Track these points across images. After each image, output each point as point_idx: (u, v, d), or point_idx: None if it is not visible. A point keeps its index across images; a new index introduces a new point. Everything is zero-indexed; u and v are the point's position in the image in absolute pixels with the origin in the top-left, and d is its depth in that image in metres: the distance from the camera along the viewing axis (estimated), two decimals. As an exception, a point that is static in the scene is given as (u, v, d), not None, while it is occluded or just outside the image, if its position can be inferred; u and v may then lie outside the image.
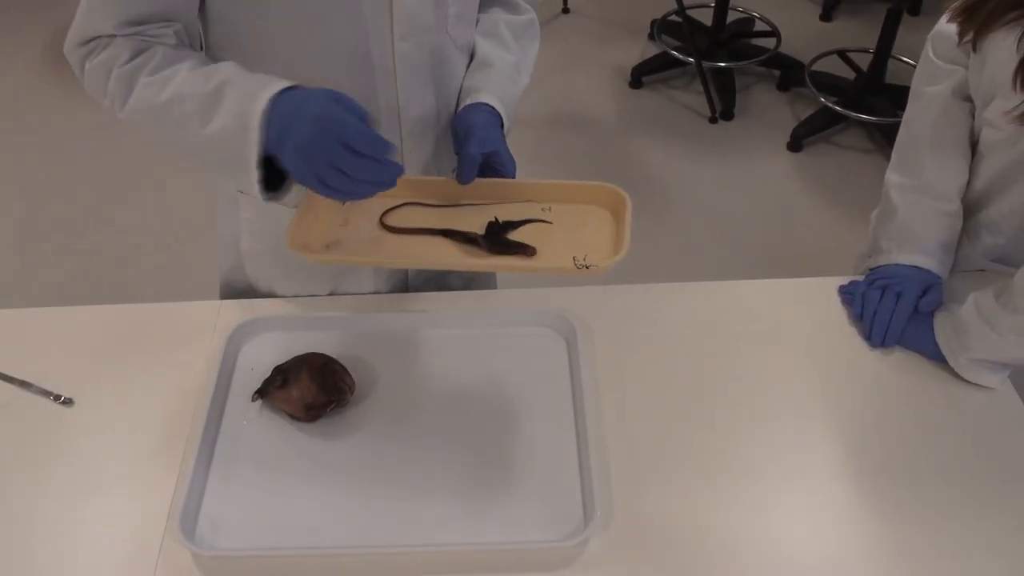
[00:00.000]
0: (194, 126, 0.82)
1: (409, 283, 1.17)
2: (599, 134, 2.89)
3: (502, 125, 0.98)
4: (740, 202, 2.63)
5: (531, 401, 0.99)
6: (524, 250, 0.87)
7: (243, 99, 0.80)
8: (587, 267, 0.80)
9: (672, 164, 2.77)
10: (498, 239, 0.88)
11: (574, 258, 0.82)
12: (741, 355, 1.05)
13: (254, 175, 0.81)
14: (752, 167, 2.76)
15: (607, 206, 0.91)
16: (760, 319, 1.10)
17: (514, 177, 0.94)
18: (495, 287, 1.25)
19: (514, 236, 0.89)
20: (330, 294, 1.14)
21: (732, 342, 1.06)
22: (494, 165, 0.93)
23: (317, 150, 0.74)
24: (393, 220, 0.95)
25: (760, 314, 1.10)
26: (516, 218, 0.91)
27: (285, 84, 0.80)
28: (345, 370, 0.98)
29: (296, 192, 0.87)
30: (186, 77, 0.82)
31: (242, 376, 1.02)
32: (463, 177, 0.91)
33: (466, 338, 1.06)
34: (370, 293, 1.14)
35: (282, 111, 0.78)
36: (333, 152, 0.74)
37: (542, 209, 0.92)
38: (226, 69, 0.83)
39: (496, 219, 0.90)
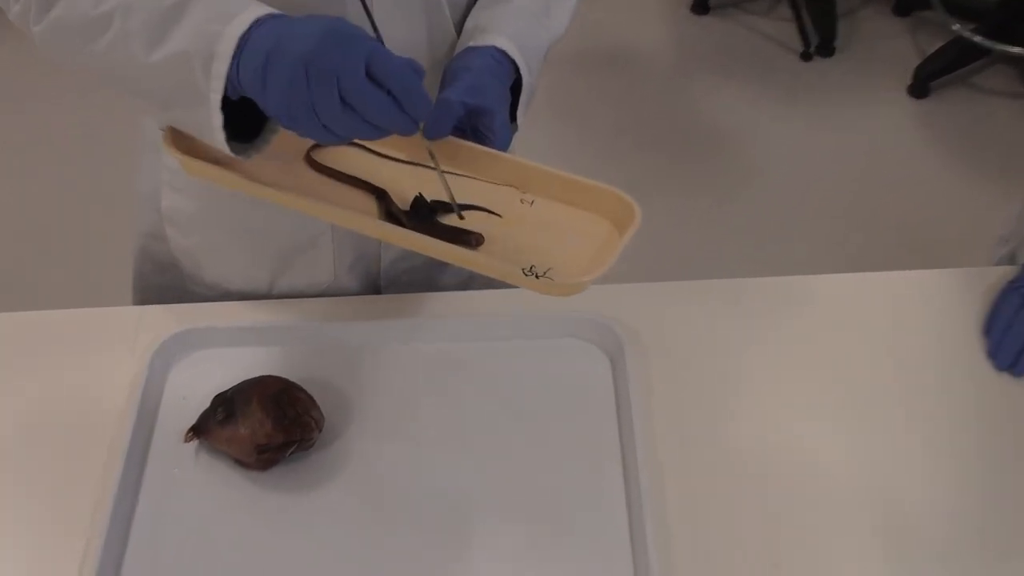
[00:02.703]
0: (136, 49, 0.83)
1: (382, 272, 1.19)
2: (648, 76, 2.87)
3: (514, 83, 0.99)
4: (842, 166, 2.61)
5: (563, 441, 0.99)
6: (462, 237, 0.88)
7: (212, 19, 0.81)
8: (536, 276, 0.82)
9: (748, 116, 2.76)
10: (426, 221, 0.90)
11: (525, 268, 0.83)
12: (844, 376, 1.05)
13: (216, 119, 0.82)
14: (859, 119, 2.74)
15: (608, 216, 0.91)
16: (870, 326, 1.10)
17: (504, 150, 0.95)
18: (506, 285, 1.25)
19: (468, 223, 0.91)
20: (269, 290, 1.16)
21: (830, 358, 1.07)
22: (481, 128, 0.94)
23: (325, 69, 0.75)
24: (325, 158, 0.97)
25: (870, 319, 1.11)
26: (472, 201, 0.92)
27: (272, 11, 0.81)
28: (310, 399, 0.99)
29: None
30: None
31: (171, 408, 1.03)
32: (429, 128, 0.90)
33: (473, 355, 1.07)
34: (331, 295, 1.16)
35: (264, 44, 0.78)
36: (347, 74, 0.75)
37: (522, 200, 0.93)
38: None
39: (421, 195, 0.92)
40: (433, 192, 0.92)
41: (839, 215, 2.48)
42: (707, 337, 1.10)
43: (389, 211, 0.91)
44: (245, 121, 0.86)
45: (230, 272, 1.18)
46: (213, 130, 0.83)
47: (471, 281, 1.24)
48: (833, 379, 1.06)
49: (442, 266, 1.23)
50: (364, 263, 1.18)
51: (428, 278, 1.21)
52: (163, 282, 1.23)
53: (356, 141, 0.97)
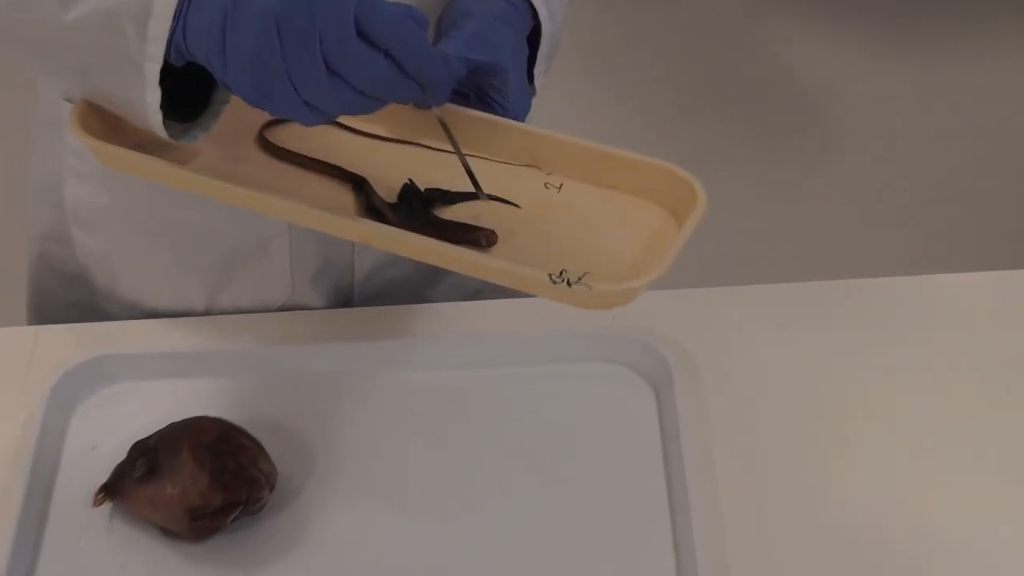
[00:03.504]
0: (47, 4, 0.84)
1: (356, 286, 1.20)
2: (703, 16, 2.89)
3: (531, 31, 1.00)
4: (958, 133, 2.61)
5: (593, 500, 0.99)
6: (468, 236, 0.88)
7: None
8: (568, 284, 0.81)
9: (835, 67, 2.76)
10: (418, 216, 0.90)
11: (553, 273, 0.83)
12: (972, 412, 1.05)
13: (152, 95, 0.82)
14: (981, 72, 2.74)
15: (661, 200, 0.92)
16: (1005, 342, 1.10)
17: (520, 120, 0.95)
18: (521, 294, 1.26)
19: (468, 217, 0.91)
20: (208, 310, 1.17)
21: (951, 386, 1.07)
22: (490, 92, 0.94)
23: (303, 26, 0.75)
24: (283, 138, 0.97)
25: (1007, 332, 1.11)
26: (478, 189, 0.93)
27: None
28: (259, 447, 0.99)
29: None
30: None
31: (76, 461, 1.03)
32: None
33: (477, 386, 1.07)
34: (291, 309, 1.17)
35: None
36: (332, 31, 0.75)
37: (546, 185, 0.94)
38: None
39: (412, 183, 0.92)
40: (427, 178, 0.92)
41: (956, 196, 2.48)
42: (783, 359, 1.10)
43: (370, 205, 0.91)
44: (185, 92, 0.87)
45: (154, 286, 1.18)
46: (146, 108, 0.83)
47: (476, 296, 1.25)
48: (956, 414, 1.05)
49: (438, 276, 1.23)
50: (332, 274, 1.18)
51: (418, 293, 1.22)
52: (67, 299, 1.23)
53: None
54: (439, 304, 1.16)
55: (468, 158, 0.90)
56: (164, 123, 0.84)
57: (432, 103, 0.87)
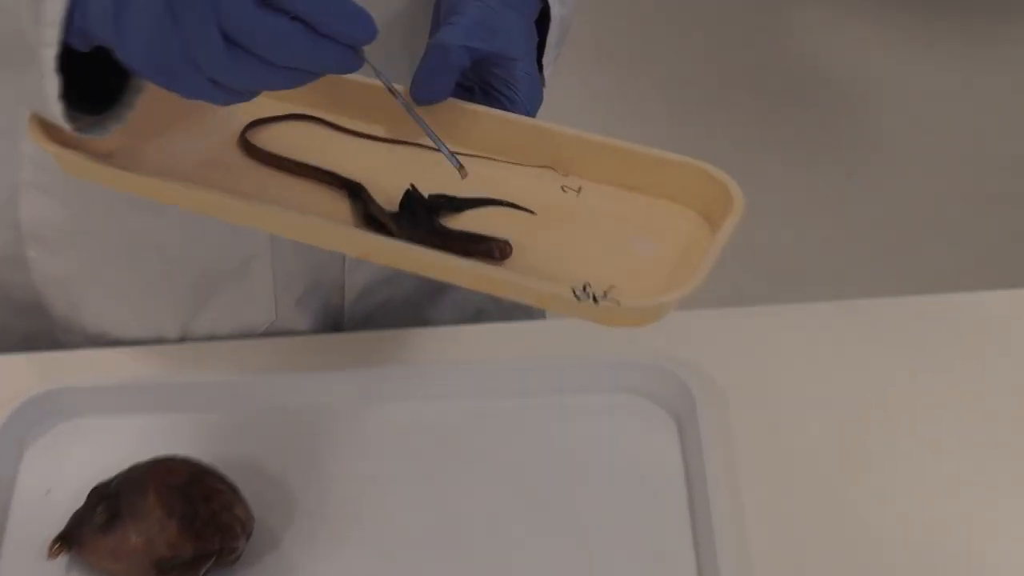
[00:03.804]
0: None
1: (346, 308, 1.20)
2: (733, 2, 2.91)
3: (538, 19, 1.00)
4: (1013, 132, 2.61)
5: (611, 543, 0.99)
6: (480, 246, 0.88)
7: None
8: (594, 300, 0.80)
9: (878, 60, 2.75)
10: (422, 225, 0.90)
11: (576, 287, 0.83)
12: (1009, 433, 1.05)
13: (50, 83, 0.81)
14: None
15: (693, 203, 0.92)
16: None
17: (531, 115, 0.95)
18: (527, 315, 1.26)
19: (477, 226, 0.90)
20: (182, 339, 1.17)
21: (1011, 413, 1.07)
22: (495, 85, 0.95)
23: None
24: (268, 140, 0.97)
25: None
26: (489, 192, 0.93)
27: None
28: (234, 491, 0.98)
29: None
30: None
31: (29, 507, 1.02)
32: (420, 88, 0.91)
33: (480, 420, 1.07)
34: (274, 336, 1.17)
35: None
36: (225, 0, 0.75)
37: (564, 188, 0.93)
38: None
39: (414, 188, 0.92)
40: (431, 182, 0.92)
41: (1013, 202, 2.47)
42: (818, 388, 1.09)
43: (368, 214, 0.90)
44: (102, 80, 0.86)
45: (121, 312, 1.18)
46: (46, 99, 0.82)
47: (478, 317, 1.24)
48: (1009, 441, 1.05)
49: (437, 295, 1.23)
50: (320, 294, 1.18)
51: (415, 314, 1.22)
52: (21, 330, 1.22)
53: (312, 115, 0.97)
54: (438, 328, 1.16)
55: (474, 159, 0.90)
56: (74, 115, 0.84)
57: (416, 99, 0.87)
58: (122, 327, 1.18)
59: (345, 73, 0.80)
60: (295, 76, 0.78)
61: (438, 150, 0.88)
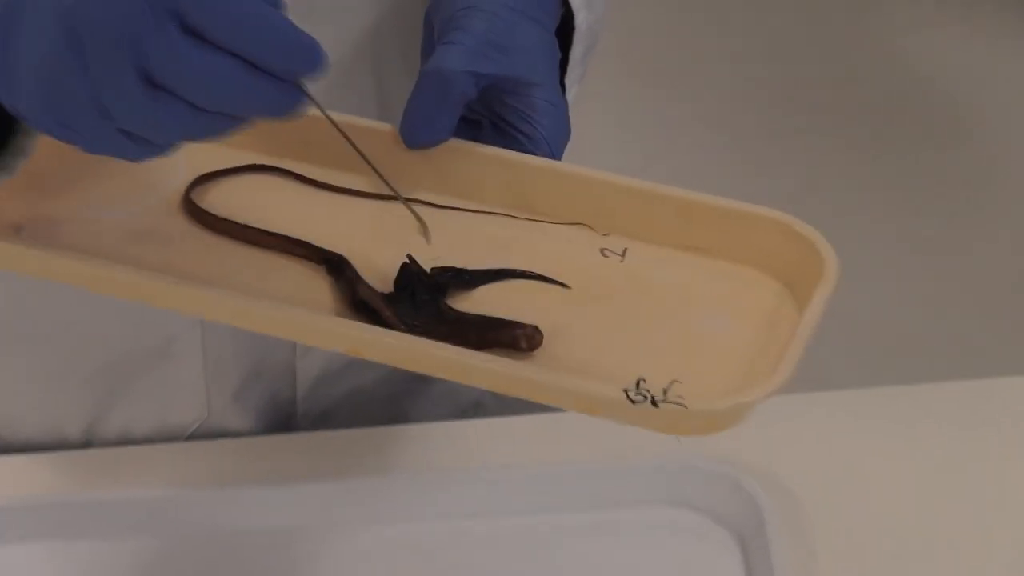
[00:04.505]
0: None
1: (299, 402, 1.18)
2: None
3: (560, 28, 0.98)
4: None
5: None
6: (503, 335, 0.84)
7: None
8: (654, 402, 0.78)
9: (981, 64, 2.73)
10: (426, 308, 0.87)
11: (628, 387, 0.80)
12: None
13: None
14: None
15: (771, 267, 0.89)
16: None
17: (556, 156, 0.93)
18: (549, 406, 1.28)
19: (495, 306, 0.87)
20: (88, 443, 1.16)
21: None
22: (509, 119, 0.93)
23: (107, 28, 0.73)
24: (221, 203, 0.93)
25: None
26: (504, 264, 0.91)
27: None
28: None
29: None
30: None
31: None
32: (414, 127, 0.91)
33: (485, 546, 1.07)
34: (206, 438, 1.15)
35: None
36: (148, 31, 0.73)
37: (604, 252, 0.90)
38: None
39: (412, 260, 0.89)
40: (431, 251, 0.89)
41: None
42: (931, 497, 1.09)
43: (355, 297, 0.87)
44: None
45: (13, 409, 1.16)
46: None
47: (475, 412, 1.24)
48: None
49: (419, 383, 1.22)
50: (265, 384, 1.16)
51: (391, 408, 1.21)
52: None
53: (275, 165, 0.96)
54: (425, 424, 1.15)
55: (488, 216, 0.90)
56: None
57: (407, 142, 0.89)
58: (13, 426, 1.17)
59: (289, 117, 0.78)
60: (223, 123, 0.77)
61: (444, 208, 0.89)
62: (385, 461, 1.12)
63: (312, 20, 0.86)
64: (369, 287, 0.87)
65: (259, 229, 0.91)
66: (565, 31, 0.99)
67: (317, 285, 0.89)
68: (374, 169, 0.87)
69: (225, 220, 0.92)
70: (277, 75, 0.76)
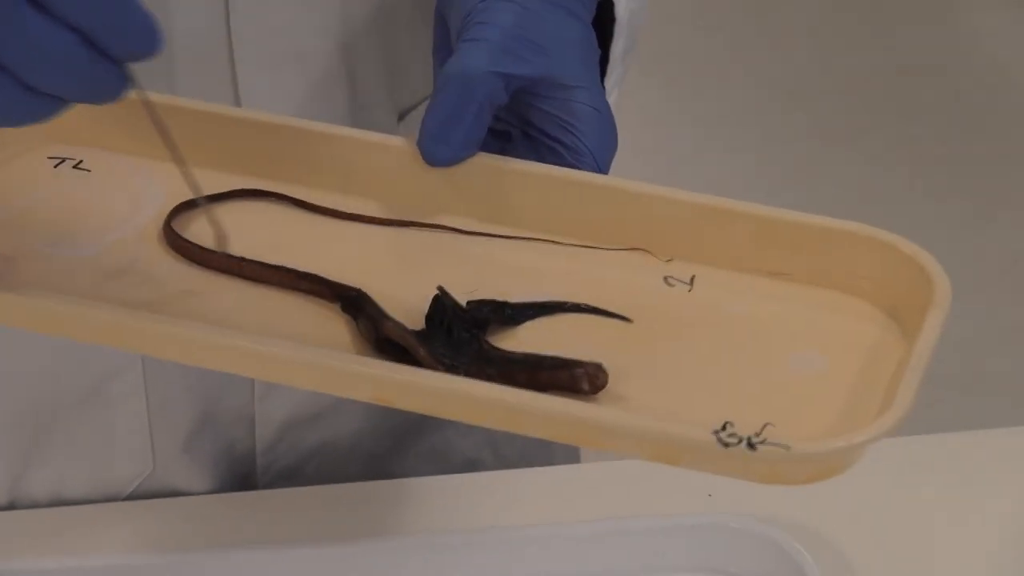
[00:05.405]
0: None
1: (259, 455, 1.13)
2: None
3: (599, 20, 0.95)
4: None
5: None
6: (560, 375, 0.80)
7: None
8: (752, 446, 0.73)
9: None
10: (465, 348, 0.83)
11: (716, 428, 0.75)
12: None
13: None
14: None
15: (873, 295, 0.86)
16: None
17: (602, 170, 0.90)
18: (555, 459, 1.23)
19: (545, 344, 0.83)
20: (10, 504, 1.12)
21: None
22: (546, 127, 0.89)
23: None
24: (206, 235, 0.89)
25: None
26: (552, 296, 0.87)
27: None
28: None
29: None
30: None
31: None
32: (434, 140, 0.87)
33: None
34: (150, 497, 1.11)
35: None
36: None
37: (668, 280, 0.87)
38: None
39: (444, 292, 0.85)
40: (466, 281, 0.85)
41: None
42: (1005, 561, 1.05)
43: (379, 335, 0.82)
44: None
45: None
46: None
47: (472, 467, 1.21)
48: None
49: (406, 435, 1.19)
50: (220, 432, 1.12)
51: (371, 466, 1.17)
52: None
53: (271, 191, 0.93)
54: (415, 479, 1.10)
55: (529, 243, 0.88)
56: None
57: (427, 159, 0.86)
58: None
59: (107, 101, 0.75)
60: (53, 106, 0.75)
61: (472, 234, 0.88)
62: (369, 522, 1.06)
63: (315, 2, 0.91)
64: (397, 323, 0.82)
65: (259, 262, 0.86)
66: (601, 24, 0.96)
67: (332, 324, 0.84)
68: (182, 171, 0.82)
69: (217, 253, 0.87)
70: (112, 54, 0.73)
